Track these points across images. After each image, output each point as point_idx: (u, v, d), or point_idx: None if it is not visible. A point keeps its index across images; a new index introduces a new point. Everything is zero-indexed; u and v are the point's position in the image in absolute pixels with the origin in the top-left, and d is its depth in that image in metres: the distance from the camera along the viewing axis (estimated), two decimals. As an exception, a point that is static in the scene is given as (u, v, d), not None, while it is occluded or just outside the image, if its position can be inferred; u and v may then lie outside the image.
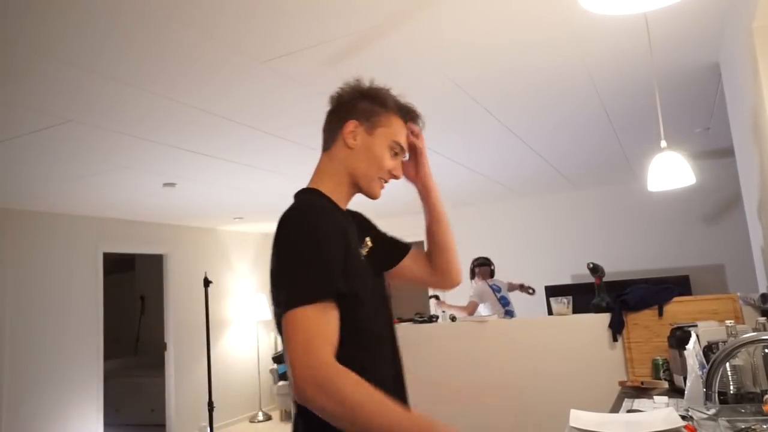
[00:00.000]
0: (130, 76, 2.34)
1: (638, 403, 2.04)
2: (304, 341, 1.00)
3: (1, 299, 4.51)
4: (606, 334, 3.01)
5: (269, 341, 7.36)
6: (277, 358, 6.94)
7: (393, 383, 1.20)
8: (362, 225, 1.35)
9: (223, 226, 6.69)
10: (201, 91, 2.57)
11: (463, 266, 5.12)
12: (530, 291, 5.12)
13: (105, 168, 3.67)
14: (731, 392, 1.79)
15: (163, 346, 5.98)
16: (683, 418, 1.60)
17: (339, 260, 1.08)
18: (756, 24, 1.89)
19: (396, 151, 1.27)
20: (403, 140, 1.28)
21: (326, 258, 1.06)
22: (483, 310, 4.87)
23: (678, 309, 2.81)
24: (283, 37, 2.11)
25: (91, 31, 1.94)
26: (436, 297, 5.23)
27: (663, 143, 2.26)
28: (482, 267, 5.11)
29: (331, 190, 1.24)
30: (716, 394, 1.38)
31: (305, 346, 0.99)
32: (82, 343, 5.09)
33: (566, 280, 5.92)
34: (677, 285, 3.53)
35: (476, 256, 5.23)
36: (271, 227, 7.40)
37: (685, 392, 1.89)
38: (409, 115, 1.31)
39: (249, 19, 1.96)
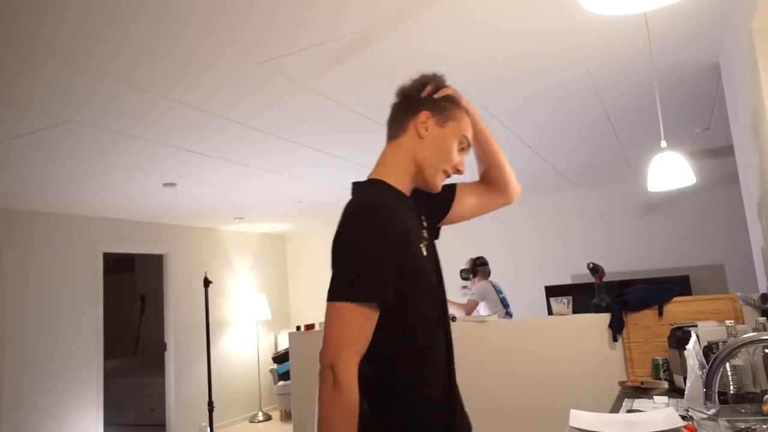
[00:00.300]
0: (130, 77, 2.34)
1: (638, 403, 2.04)
2: (338, 337, 1.06)
3: (1, 299, 4.51)
4: (606, 334, 3.01)
5: (269, 341, 7.36)
6: (277, 358, 6.94)
7: (444, 389, 1.20)
8: (418, 200, 1.33)
9: (223, 226, 6.69)
10: (201, 92, 2.57)
11: (458, 267, 5.10)
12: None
13: (105, 168, 3.67)
14: (731, 392, 1.79)
15: (163, 346, 5.98)
16: (683, 418, 1.60)
17: (393, 267, 1.10)
18: (756, 24, 1.89)
19: (464, 145, 1.30)
20: (471, 136, 1.32)
21: (381, 264, 1.09)
22: (482, 310, 4.83)
23: (678, 309, 2.81)
24: (282, 37, 2.11)
25: (91, 31, 1.94)
26: None
27: (663, 143, 2.26)
28: (484, 266, 5.06)
29: (395, 180, 1.26)
30: (716, 394, 1.38)
31: (337, 342, 1.06)
32: (82, 343, 5.09)
33: (566, 280, 5.93)
34: (677, 285, 3.53)
35: (476, 257, 5.21)
36: (271, 227, 7.43)
37: (685, 392, 1.89)
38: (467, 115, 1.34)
39: (248, 19, 1.96)
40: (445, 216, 1.40)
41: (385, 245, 1.10)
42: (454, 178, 1.36)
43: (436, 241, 1.37)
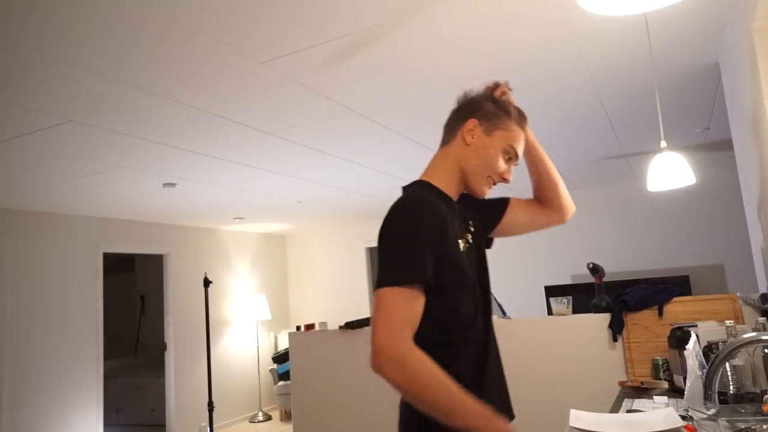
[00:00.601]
0: (130, 77, 2.34)
1: (638, 403, 2.04)
2: (387, 318, 1.11)
3: (1, 299, 4.51)
4: (606, 334, 3.01)
5: (269, 341, 7.36)
6: (277, 358, 6.94)
7: (474, 377, 1.23)
8: (468, 207, 1.39)
9: (223, 226, 6.69)
10: (201, 92, 2.57)
11: None
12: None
13: (105, 168, 3.67)
14: (731, 392, 1.79)
15: (163, 346, 5.98)
16: (683, 418, 1.60)
17: (433, 253, 1.16)
18: (756, 25, 1.89)
19: (510, 155, 1.33)
20: (519, 147, 1.34)
21: (421, 249, 1.15)
22: None
23: (678, 309, 2.81)
24: (282, 37, 2.11)
25: (92, 32, 1.94)
26: None
27: (663, 143, 2.27)
28: None
29: (441, 183, 1.32)
30: (716, 394, 1.38)
31: (387, 323, 1.10)
32: (82, 343, 5.09)
33: (566, 280, 5.93)
34: (677, 285, 3.53)
35: None
36: (271, 227, 7.43)
37: (685, 392, 1.89)
38: (523, 124, 1.38)
39: (248, 20, 1.96)
40: (495, 227, 1.46)
41: (421, 233, 1.16)
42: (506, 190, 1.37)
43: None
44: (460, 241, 1.27)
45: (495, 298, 4.87)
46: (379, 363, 1.08)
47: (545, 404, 3.11)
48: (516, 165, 1.36)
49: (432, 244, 1.16)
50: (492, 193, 1.37)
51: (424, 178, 1.33)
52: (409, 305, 1.13)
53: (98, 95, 2.50)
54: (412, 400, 1.09)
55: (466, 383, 1.12)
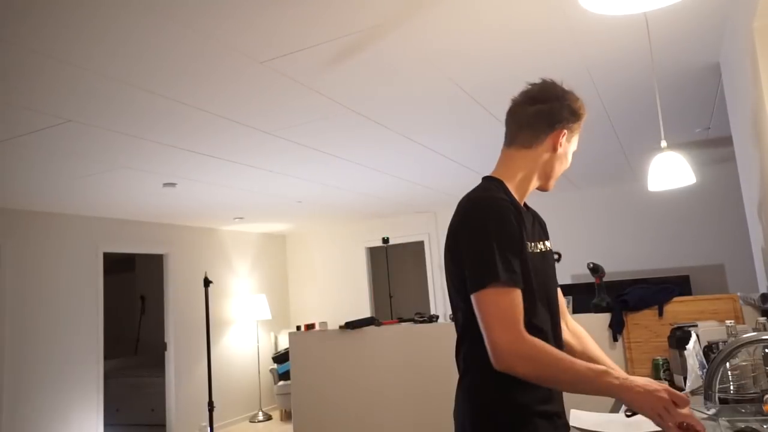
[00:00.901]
0: (130, 77, 2.34)
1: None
2: (501, 319, 1.16)
3: (1, 299, 4.51)
4: (606, 334, 3.01)
5: (269, 341, 7.36)
6: (277, 358, 6.94)
7: None
8: (544, 228, 1.47)
9: (223, 226, 6.69)
10: (201, 92, 2.57)
11: None
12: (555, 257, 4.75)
13: (105, 168, 3.67)
14: (731, 392, 1.79)
15: (163, 346, 5.98)
16: (683, 418, 1.59)
17: (517, 248, 1.23)
18: (756, 24, 1.89)
19: (571, 155, 1.42)
20: (576, 147, 1.43)
21: (510, 247, 1.21)
22: None
23: (678, 309, 2.81)
24: (282, 37, 2.11)
25: (92, 32, 1.94)
26: None
27: (663, 143, 2.26)
28: None
29: (517, 184, 1.37)
30: (716, 394, 1.38)
31: (502, 323, 1.15)
32: (82, 343, 5.09)
33: (566, 280, 5.92)
34: (677, 285, 3.53)
35: None
36: (271, 227, 7.41)
37: (685, 392, 1.89)
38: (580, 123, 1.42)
39: (248, 19, 1.96)
40: None
41: (504, 232, 1.22)
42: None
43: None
44: (538, 244, 1.34)
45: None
46: (509, 363, 1.14)
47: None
48: None
49: (514, 242, 1.22)
50: None
51: (501, 177, 1.37)
52: (514, 301, 1.18)
53: (98, 95, 2.50)
54: (548, 385, 1.18)
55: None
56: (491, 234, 1.20)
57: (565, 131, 1.36)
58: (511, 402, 1.21)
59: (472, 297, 1.20)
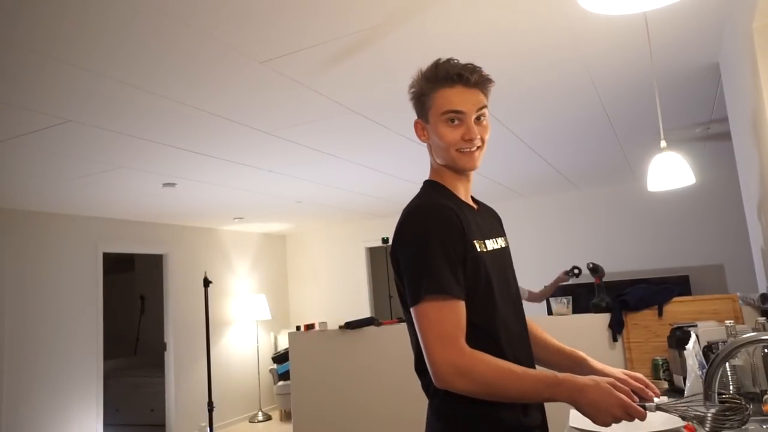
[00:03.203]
0: (130, 77, 2.34)
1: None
2: (438, 334, 1.09)
3: (1, 299, 4.51)
4: (606, 334, 3.01)
5: (269, 341, 7.36)
6: (277, 358, 6.94)
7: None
8: (501, 224, 1.42)
9: (223, 226, 6.69)
10: (201, 92, 2.57)
11: None
12: (575, 272, 4.28)
13: (105, 168, 3.67)
14: (731, 392, 1.79)
15: (163, 346, 5.98)
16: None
17: (457, 255, 1.15)
18: (756, 24, 1.89)
19: (453, 118, 1.23)
20: (452, 105, 1.23)
21: (448, 255, 1.13)
22: None
23: (678, 309, 2.81)
24: (282, 37, 2.11)
25: (91, 31, 1.94)
26: None
27: (663, 143, 2.26)
28: None
29: (448, 180, 1.30)
30: (716, 394, 1.38)
31: (440, 338, 1.09)
32: (82, 343, 5.09)
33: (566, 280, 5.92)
34: (677, 285, 3.53)
35: None
36: (271, 227, 7.42)
37: (685, 392, 1.89)
38: (458, 76, 1.25)
39: (248, 19, 1.96)
40: None
41: (441, 239, 1.14)
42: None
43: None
44: (489, 242, 1.26)
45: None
46: (449, 381, 1.08)
47: (545, 404, 3.11)
48: (479, 115, 1.26)
49: (453, 248, 1.14)
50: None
51: (434, 178, 1.32)
52: (452, 314, 1.11)
53: (98, 95, 2.50)
54: (493, 399, 1.10)
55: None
56: (427, 243, 1.13)
57: (419, 120, 1.29)
58: (482, 418, 1.14)
59: (411, 311, 1.14)
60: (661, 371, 2.46)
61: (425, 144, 1.32)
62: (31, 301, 4.73)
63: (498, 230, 1.36)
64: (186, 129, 3.06)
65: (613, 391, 1.05)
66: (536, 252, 6.19)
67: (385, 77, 2.58)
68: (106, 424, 5.25)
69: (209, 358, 5.31)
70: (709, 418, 1.04)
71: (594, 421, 1.05)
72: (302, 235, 7.87)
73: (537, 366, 1.31)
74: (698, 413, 1.05)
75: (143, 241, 5.84)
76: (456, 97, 1.23)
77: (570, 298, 3.25)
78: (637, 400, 1.07)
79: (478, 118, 1.26)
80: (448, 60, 1.26)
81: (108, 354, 5.59)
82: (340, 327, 3.94)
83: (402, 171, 4.50)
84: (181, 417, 5.89)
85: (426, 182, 1.32)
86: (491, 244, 1.26)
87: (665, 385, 2.39)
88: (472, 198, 1.36)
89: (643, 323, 2.88)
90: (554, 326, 3.17)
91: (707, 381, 1.38)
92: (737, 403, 1.08)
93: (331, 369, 3.93)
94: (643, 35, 2.32)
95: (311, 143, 3.52)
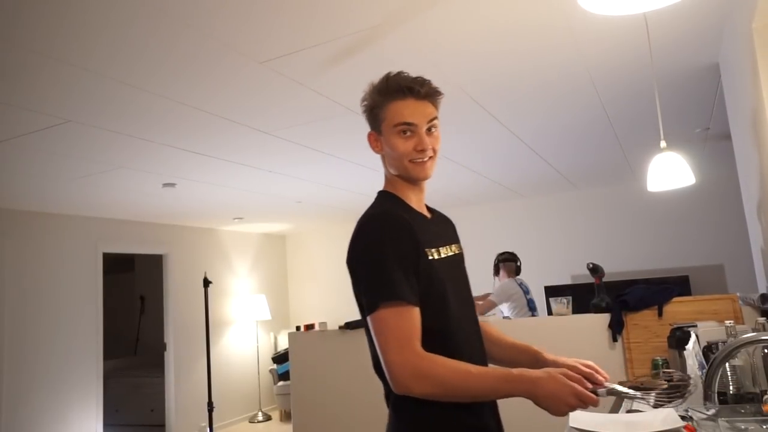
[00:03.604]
0: (130, 77, 2.34)
1: (638, 403, 2.04)
2: (393, 339, 1.13)
3: (0, 299, 4.50)
4: (606, 334, 3.01)
5: (269, 341, 7.36)
6: (277, 358, 6.94)
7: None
8: (455, 232, 1.47)
9: (223, 226, 6.69)
10: (201, 92, 2.57)
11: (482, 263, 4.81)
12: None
13: (105, 168, 3.67)
14: (731, 392, 1.79)
15: (163, 346, 5.98)
16: (683, 418, 1.60)
17: (410, 263, 1.19)
18: (755, 25, 1.89)
19: (405, 129, 1.26)
20: (404, 117, 1.26)
21: (402, 263, 1.17)
22: (506, 310, 4.39)
23: (678, 309, 2.81)
24: (282, 37, 2.11)
25: (91, 31, 1.94)
26: None
27: (663, 143, 2.27)
28: (507, 263, 4.59)
29: (402, 190, 1.34)
30: (716, 395, 1.38)
31: (395, 343, 1.12)
32: (82, 343, 5.09)
33: (566, 280, 5.92)
34: (677, 285, 3.53)
35: (501, 251, 4.72)
36: (271, 227, 7.42)
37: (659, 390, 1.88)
38: (408, 89, 1.27)
39: (248, 20, 1.96)
40: None
41: (393, 247, 1.18)
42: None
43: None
44: (443, 249, 1.30)
45: (531, 300, 4.36)
46: (404, 384, 1.11)
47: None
48: (430, 126, 1.28)
49: (407, 256, 1.18)
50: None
51: (388, 188, 1.35)
52: (407, 319, 1.14)
53: (98, 95, 2.50)
54: (452, 400, 1.13)
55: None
56: (381, 252, 1.18)
57: (372, 131, 1.33)
58: (439, 420, 1.17)
59: (368, 319, 1.18)
60: (661, 371, 2.46)
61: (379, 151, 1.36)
62: (31, 302, 4.73)
63: (451, 237, 1.40)
64: (186, 129, 3.06)
65: (565, 380, 1.09)
66: (536, 252, 6.18)
67: (385, 77, 2.57)
68: (105, 425, 5.25)
69: (209, 359, 5.31)
70: (653, 396, 1.12)
71: (551, 413, 1.09)
72: (302, 235, 7.87)
73: (494, 365, 1.36)
74: (645, 391, 1.13)
75: (143, 241, 5.84)
76: (407, 110, 1.27)
77: (570, 298, 3.25)
78: (590, 386, 1.11)
79: (429, 129, 1.29)
80: (399, 73, 1.29)
81: (108, 354, 5.58)
82: (340, 327, 3.94)
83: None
84: (181, 417, 5.89)
85: (380, 192, 1.37)
86: (444, 251, 1.31)
87: (665, 385, 2.38)
88: (427, 207, 1.41)
89: (643, 323, 2.88)
90: (554, 326, 3.17)
91: (707, 381, 1.38)
92: (681, 381, 1.16)
93: (331, 369, 3.93)
94: (643, 35, 2.33)
95: (311, 143, 3.52)
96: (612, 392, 1.14)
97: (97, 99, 2.54)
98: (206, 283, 5.35)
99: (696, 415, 1.67)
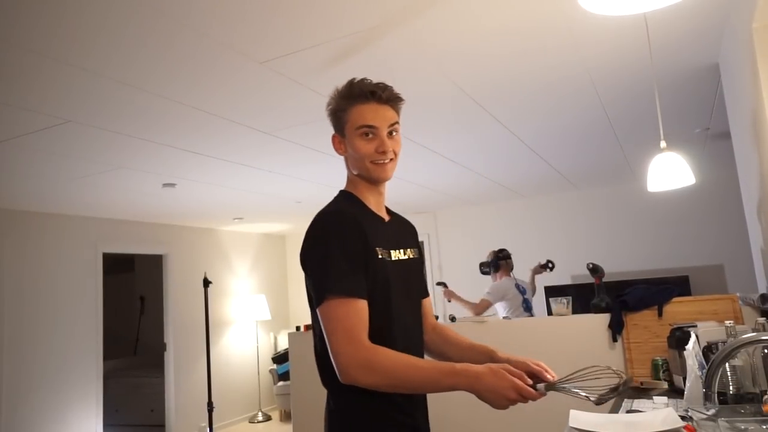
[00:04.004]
0: (130, 77, 2.34)
1: (638, 403, 2.04)
2: (341, 330, 1.17)
3: (0, 299, 4.50)
4: (606, 334, 3.01)
5: (269, 341, 7.36)
6: (277, 359, 6.94)
7: None
8: (414, 236, 1.53)
9: (223, 226, 6.69)
10: (201, 92, 2.57)
11: (468, 266, 4.86)
12: (549, 266, 4.52)
13: (105, 168, 3.67)
14: (731, 392, 1.79)
15: (163, 346, 5.98)
16: (683, 418, 1.60)
17: (359, 258, 1.24)
18: (755, 25, 1.89)
19: (367, 132, 1.32)
20: (366, 120, 1.32)
21: (350, 258, 1.22)
22: (501, 310, 4.37)
23: (678, 309, 2.81)
24: (282, 37, 2.11)
25: (91, 31, 1.94)
26: (444, 284, 4.74)
27: (663, 144, 2.26)
28: (508, 260, 4.55)
29: (361, 191, 1.39)
30: (716, 395, 1.38)
31: (342, 334, 1.17)
32: (81, 343, 5.09)
33: (566, 281, 5.92)
34: (677, 285, 3.53)
35: (498, 249, 4.68)
36: (271, 227, 7.42)
37: (685, 392, 1.89)
38: (371, 93, 1.33)
39: (248, 20, 1.96)
40: None
41: (345, 243, 1.24)
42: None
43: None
44: (387, 251, 1.33)
45: (527, 300, 4.37)
46: (350, 375, 1.15)
47: (544, 404, 3.10)
48: (391, 129, 1.34)
49: (355, 251, 1.23)
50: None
51: (348, 188, 1.41)
52: (354, 312, 1.19)
53: (97, 95, 2.50)
54: (396, 390, 1.18)
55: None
56: (330, 248, 1.22)
57: (336, 134, 1.38)
58: (373, 414, 1.24)
59: (317, 311, 1.22)
60: (661, 371, 2.46)
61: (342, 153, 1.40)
62: (31, 302, 4.73)
63: (408, 242, 1.45)
64: (185, 129, 3.06)
65: (506, 374, 1.12)
66: (537, 252, 6.18)
67: (384, 78, 2.54)
68: (105, 425, 5.25)
69: (209, 359, 5.31)
70: (593, 391, 1.14)
71: (493, 406, 1.13)
72: (302, 235, 7.83)
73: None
74: (583, 388, 1.14)
75: (143, 241, 5.84)
76: (369, 113, 1.33)
77: (570, 298, 3.25)
78: (531, 382, 1.14)
79: (390, 133, 1.34)
80: (362, 79, 1.35)
81: (108, 354, 5.58)
82: (340, 327, 3.92)
83: (402, 171, 4.49)
84: (181, 417, 5.89)
85: (340, 192, 1.42)
86: (396, 254, 1.36)
87: (665, 385, 2.39)
88: (387, 210, 1.46)
89: (643, 323, 2.88)
90: (554, 327, 3.17)
91: (707, 381, 1.38)
92: (619, 377, 1.18)
93: (331, 369, 3.93)
94: (643, 36, 2.32)
95: (311, 143, 3.52)
96: (551, 387, 1.16)
97: (95, 99, 2.54)
98: (206, 283, 5.35)
99: (696, 415, 1.67)
